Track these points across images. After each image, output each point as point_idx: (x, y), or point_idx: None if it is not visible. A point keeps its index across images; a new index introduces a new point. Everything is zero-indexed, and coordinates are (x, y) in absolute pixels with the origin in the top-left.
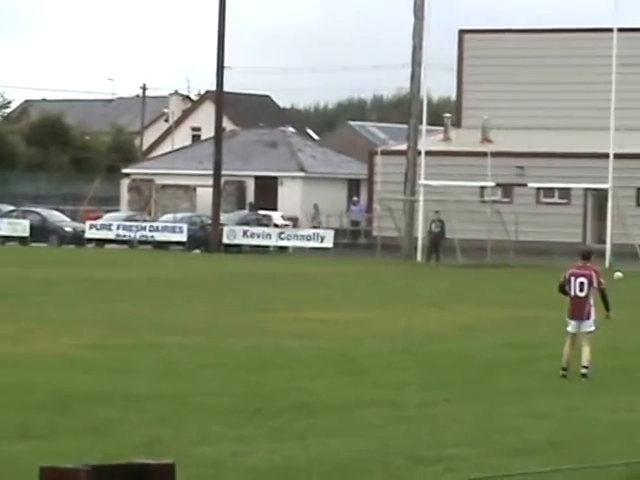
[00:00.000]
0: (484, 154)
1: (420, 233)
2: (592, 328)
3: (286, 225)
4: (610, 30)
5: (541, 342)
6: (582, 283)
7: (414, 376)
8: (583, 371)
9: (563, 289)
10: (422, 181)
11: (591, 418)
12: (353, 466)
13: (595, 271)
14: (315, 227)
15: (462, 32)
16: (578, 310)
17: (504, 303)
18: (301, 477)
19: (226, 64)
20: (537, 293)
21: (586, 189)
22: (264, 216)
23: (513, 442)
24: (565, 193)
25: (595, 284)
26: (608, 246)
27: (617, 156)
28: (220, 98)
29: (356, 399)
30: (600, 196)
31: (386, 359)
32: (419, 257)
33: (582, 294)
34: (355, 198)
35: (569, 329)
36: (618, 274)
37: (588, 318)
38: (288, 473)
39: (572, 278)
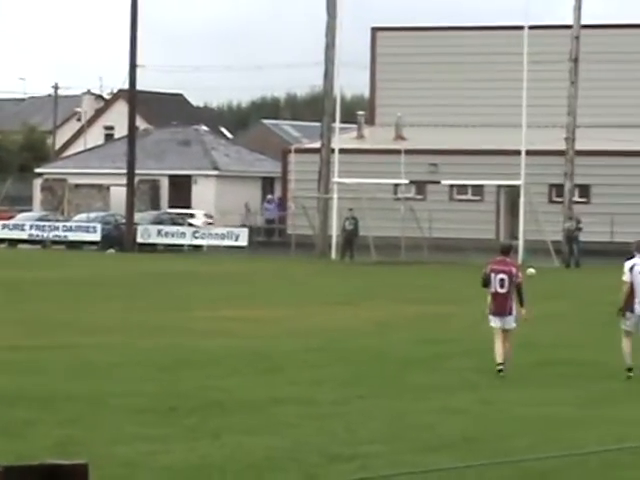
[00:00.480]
0: (397, 151)
1: (334, 231)
2: (514, 325)
3: (210, 223)
4: (521, 28)
5: (455, 338)
6: (502, 279)
7: (329, 373)
8: (499, 367)
9: (487, 283)
10: (336, 179)
11: (505, 413)
12: (268, 464)
13: (515, 266)
14: (244, 225)
15: (375, 30)
16: (499, 306)
17: (418, 300)
18: (216, 476)
19: (139, 62)
20: (451, 289)
21: (499, 186)
22: (178, 214)
23: (427, 438)
24: (478, 190)
25: (514, 279)
26: (521, 242)
27: (529, 153)
28: (133, 97)
29: (271, 397)
30: (512, 193)
31: (301, 357)
32: (333, 255)
33: (503, 290)
34: (269, 196)
35: (493, 324)
36: (531, 270)
37: (510, 314)
38: (203, 472)
39: (492, 274)
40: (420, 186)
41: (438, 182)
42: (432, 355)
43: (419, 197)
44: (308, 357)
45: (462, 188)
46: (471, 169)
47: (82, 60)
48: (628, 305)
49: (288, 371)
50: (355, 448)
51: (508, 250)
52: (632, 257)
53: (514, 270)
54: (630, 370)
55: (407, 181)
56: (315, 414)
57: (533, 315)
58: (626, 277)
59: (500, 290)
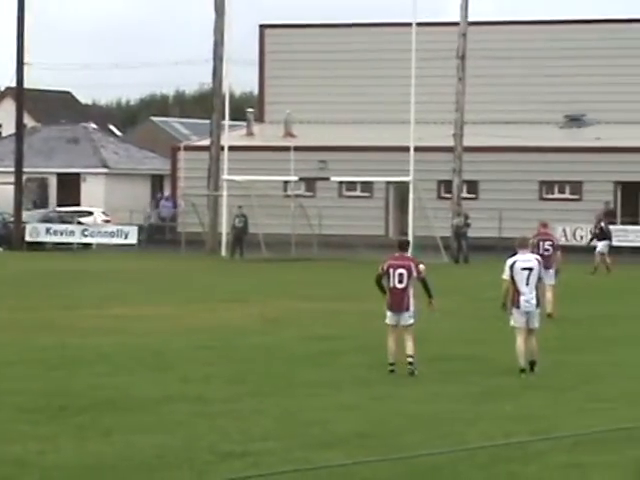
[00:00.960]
0: (287, 149)
1: (224, 228)
2: (412, 320)
3: (107, 221)
4: (409, 25)
5: (345, 334)
6: (401, 274)
7: (220, 371)
8: (409, 360)
9: (380, 282)
10: (225, 176)
11: (396, 409)
12: (159, 462)
13: (413, 261)
14: (142, 225)
15: (263, 27)
16: (397, 302)
17: (308, 296)
18: (108, 474)
19: (26, 60)
20: (341, 286)
21: (388, 182)
22: (75, 212)
23: (319, 435)
24: (367, 186)
25: (415, 274)
26: (410, 238)
27: (417, 149)
28: (20, 94)
29: (162, 395)
30: (402, 189)
31: (191, 354)
32: (223, 252)
33: (401, 285)
34: (166, 194)
35: (388, 321)
36: (420, 266)
37: (407, 310)
38: (95, 471)
39: (391, 270)
40: (309, 183)
41: (327, 179)
42: (323, 352)
43: (309, 194)
44: (198, 355)
45: (351, 185)
46: (360, 165)
47: None
48: (513, 302)
49: (179, 369)
50: (247, 445)
51: (406, 246)
52: (515, 254)
53: (413, 265)
54: (523, 371)
55: (297, 178)
56: (206, 412)
57: (438, 307)
58: (506, 274)
59: (399, 285)
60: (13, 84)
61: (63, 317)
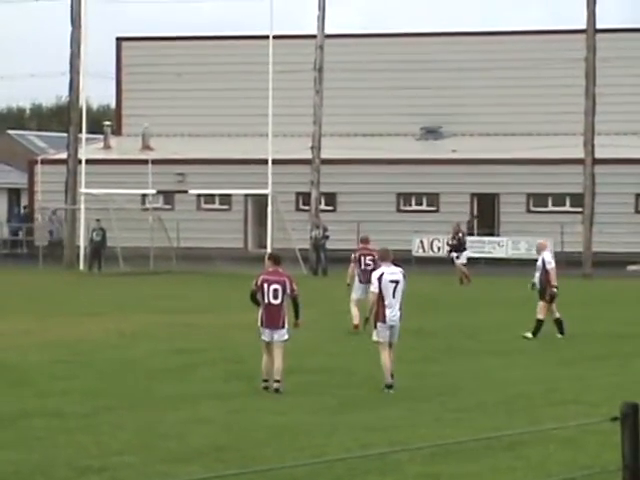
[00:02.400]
0: (145, 162)
1: (82, 242)
2: (286, 336)
3: None
4: (266, 37)
5: (202, 348)
6: (276, 290)
7: (77, 385)
8: (277, 377)
9: (254, 297)
10: (83, 189)
11: (254, 422)
12: (16, 478)
13: (288, 277)
14: (51, 233)
15: (119, 40)
16: (272, 318)
17: (166, 310)
18: None
19: None
20: (199, 299)
21: (246, 195)
22: None
23: (178, 448)
24: (226, 199)
25: (288, 291)
26: (269, 251)
27: (275, 162)
28: None
29: (19, 410)
30: (260, 201)
31: (48, 369)
32: (81, 266)
33: (276, 301)
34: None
35: (264, 338)
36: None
37: (283, 327)
38: None
39: (265, 285)
40: (168, 196)
41: (186, 192)
42: (181, 365)
43: (167, 207)
44: (55, 369)
45: (210, 197)
46: (219, 178)
47: None
48: (378, 316)
49: (35, 384)
50: (105, 460)
51: (279, 260)
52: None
53: (287, 282)
54: (390, 387)
55: (155, 191)
56: (64, 427)
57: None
58: (374, 287)
59: (274, 301)
60: None
61: None
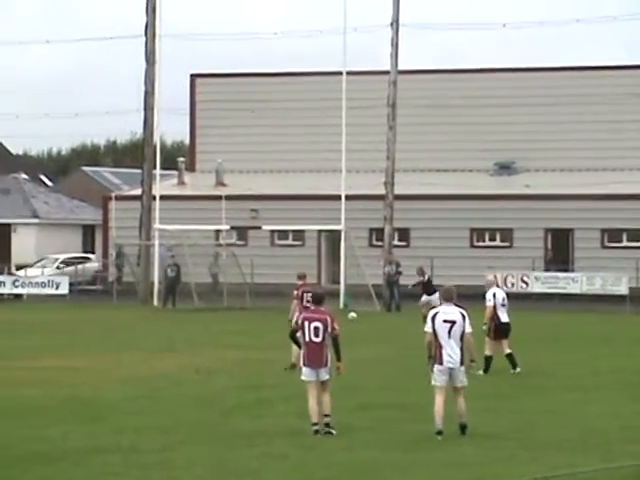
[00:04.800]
0: (218, 198)
1: (156, 278)
2: (327, 376)
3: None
4: (339, 73)
5: (277, 383)
6: (317, 328)
7: (151, 421)
8: (327, 420)
9: (295, 336)
10: (157, 225)
11: (327, 458)
12: None
13: (330, 315)
14: (119, 268)
15: (193, 76)
16: (315, 357)
17: (240, 346)
18: None
19: None
20: (272, 335)
21: (319, 231)
22: (83, 258)
23: None
24: (299, 235)
25: (329, 329)
26: (342, 287)
27: (349, 197)
28: None
29: (95, 446)
30: (333, 237)
31: (123, 405)
32: (155, 302)
33: (318, 339)
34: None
35: (305, 378)
36: (352, 314)
37: (326, 365)
38: None
39: (306, 322)
40: (241, 232)
41: (259, 227)
42: (255, 401)
43: (241, 243)
44: (130, 405)
45: (283, 233)
46: (292, 214)
47: None
48: (435, 358)
49: (111, 419)
50: None
51: (322, 299)
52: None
53: (329, 319)
54: (440, 434)
55: (228, 227)
56: (138, 462)
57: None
58: (428, 327)
59: (315, 339)
60: None
61: None
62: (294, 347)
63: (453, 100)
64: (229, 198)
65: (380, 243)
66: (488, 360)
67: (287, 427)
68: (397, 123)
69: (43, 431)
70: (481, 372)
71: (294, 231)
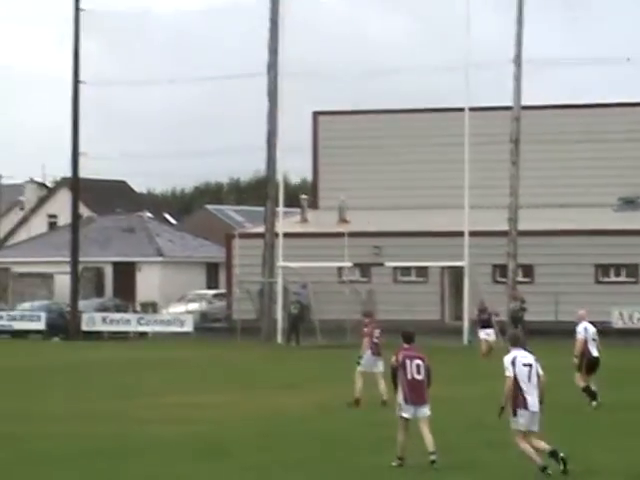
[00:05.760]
0: (341, 235)
1: (279, 315)
2: (429, 412)
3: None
4: (462, 110)
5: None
6: (419, 365)
7: (279, 458)
8: (432, 457)
9: (395, 375)
10: (280, 263)
11: None
12: None
13: (423, 354)
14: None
15: (316, 114)
16: (417, 394)
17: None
18: None
19: (81, 150)
20: None
21: (443, 267)
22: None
23: None
24: (422, 271)
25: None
26: (466, 323)
27: (472, 234)
28: (76, 184)
29: None
30: (457, 273)
31: (248, 441)
32: (279, 339)
33: (420, 377)
34: (301, 282)
35: (404, 414)
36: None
37: (427, 402)
38: None
39: (407, 361)
40: (364, 268)
41: (382, 264)
42: (380, 437)
43: (363, 279)
44: (255, 442)
45: (406, 270)
46: (414, 251)
47: (25, 148)
48: (517, 402)
49: (236, 456)
50: None
51: (413, 337)
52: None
53: (425, 358)
54: (545, 469)
55: (351, 264)
56: None
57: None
58: (509, 372)
59: (417, 377)
60: (69, 175)
61: (119, 406)
62: (357, 382)
63: (576, 135)
64: (352, 235)
65: (504, 279)
66: (587, 390)
67: (416, 463)
68: (520, 159)
69: (169, 468)
70: (594, 403)
71: (417, 267)
